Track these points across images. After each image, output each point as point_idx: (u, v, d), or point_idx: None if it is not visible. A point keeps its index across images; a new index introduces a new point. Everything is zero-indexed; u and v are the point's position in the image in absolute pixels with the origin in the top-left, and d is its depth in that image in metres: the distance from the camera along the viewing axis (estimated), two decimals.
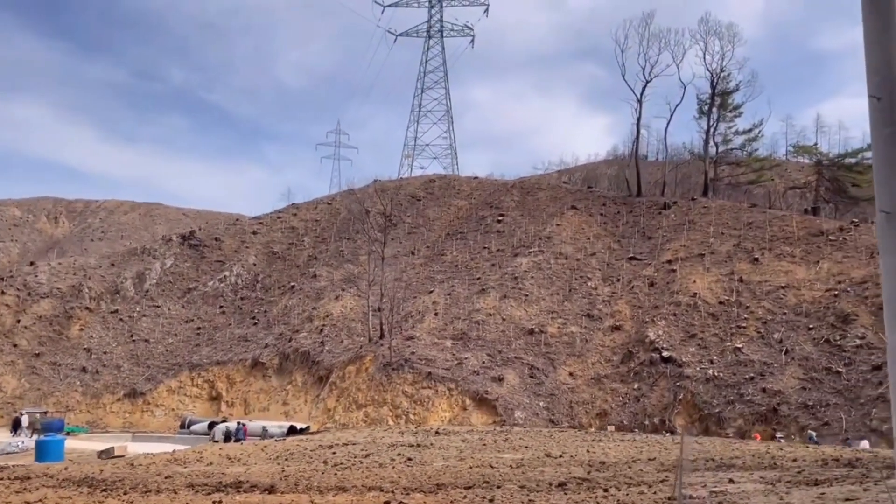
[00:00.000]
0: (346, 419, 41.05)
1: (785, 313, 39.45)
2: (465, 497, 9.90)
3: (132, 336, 54.24)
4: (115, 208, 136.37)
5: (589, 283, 49.63)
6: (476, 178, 79.62)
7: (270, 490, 10.70)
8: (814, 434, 30.35)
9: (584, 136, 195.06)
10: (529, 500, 9.68)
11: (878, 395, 31.83)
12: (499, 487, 10.84)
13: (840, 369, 34.36)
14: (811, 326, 37.84)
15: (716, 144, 65.87)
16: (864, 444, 27.98)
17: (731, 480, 11.41)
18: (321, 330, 49.72)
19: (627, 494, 10.24)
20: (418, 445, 16.65)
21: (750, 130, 64.09)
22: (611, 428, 35.50)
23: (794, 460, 14.27)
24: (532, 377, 41.56)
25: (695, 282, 44.76)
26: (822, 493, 9.77)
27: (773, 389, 34.49)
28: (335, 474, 12.57)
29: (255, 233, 66.76)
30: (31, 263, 62.37)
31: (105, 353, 52.58)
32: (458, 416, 39.50)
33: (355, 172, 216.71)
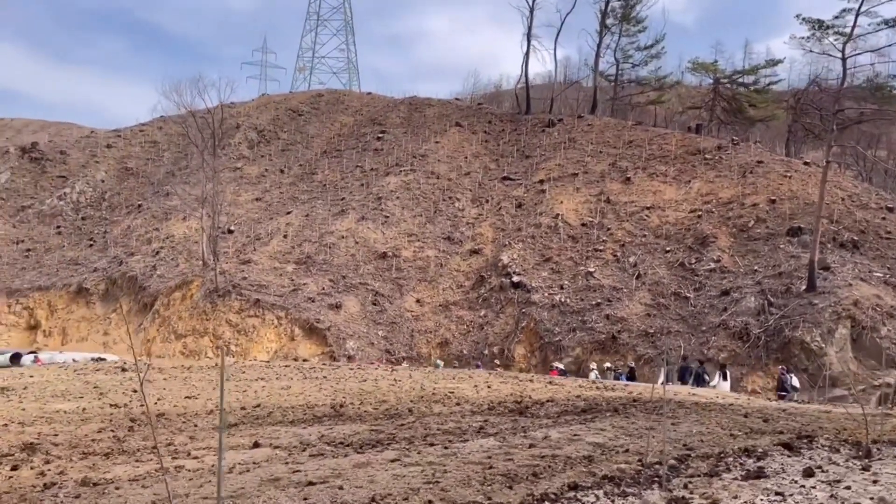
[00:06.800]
0: (164, 351, 36.61)
1: (645, 235, 36.31)
2: None
3: None
4: (23, 127, 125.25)
5: (456, 205, 45.62)
6: (369, 94, 73.88)
7: None
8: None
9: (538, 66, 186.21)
10: None
11: (720, 321, 29.09)
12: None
13: (689, 294, 31.48)
14: (668, 249, 34.81)
15: (617, 61, 61.71)
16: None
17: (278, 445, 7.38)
18: (157, 253, 44.54)
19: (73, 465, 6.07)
20: (84, 393, 12.23)
21: (651, 46, 59.86)
22: (441, 363, 31.73)
23: (458, 403, 10.51)
24: (375, 304, 37.69)
25: (561, 203, 41.19)
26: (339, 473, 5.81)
27: (616, 316, 31.45)
28: None
29: (109, 146, 59.99)
30: None
31: None
32: (285, 346, 35.51)
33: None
